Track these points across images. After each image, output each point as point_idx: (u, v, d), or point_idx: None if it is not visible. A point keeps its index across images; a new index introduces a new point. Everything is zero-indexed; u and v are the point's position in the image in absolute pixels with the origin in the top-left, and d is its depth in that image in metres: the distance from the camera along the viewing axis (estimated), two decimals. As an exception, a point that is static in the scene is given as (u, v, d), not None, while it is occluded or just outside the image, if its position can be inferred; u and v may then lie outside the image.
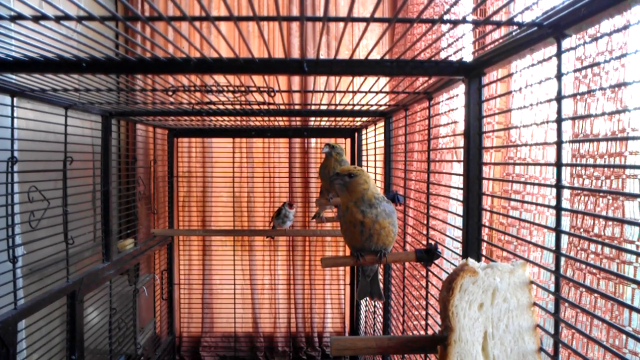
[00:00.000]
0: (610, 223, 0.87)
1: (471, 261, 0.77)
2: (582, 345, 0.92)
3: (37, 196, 1.48)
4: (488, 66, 0.92)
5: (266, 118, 2.10)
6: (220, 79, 1.20)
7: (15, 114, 1.36)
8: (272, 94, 1.37)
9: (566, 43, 0.68)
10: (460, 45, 1.11)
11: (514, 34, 0.78)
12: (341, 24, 2.85)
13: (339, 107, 1.79)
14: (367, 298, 1.49)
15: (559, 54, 0.69)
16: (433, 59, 0.97)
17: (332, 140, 2.69)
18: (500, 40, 0.83)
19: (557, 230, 0.71)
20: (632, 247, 0.81)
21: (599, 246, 0.89)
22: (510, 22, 0.74)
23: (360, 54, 2.56)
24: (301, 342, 2.95)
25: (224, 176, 2.84)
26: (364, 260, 1.21)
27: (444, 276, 1.29)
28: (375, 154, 2.23)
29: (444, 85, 1.21)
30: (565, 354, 0.93)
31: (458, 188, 1.12)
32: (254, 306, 2.95)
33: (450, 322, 0.72)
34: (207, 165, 2.87)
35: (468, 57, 0.99)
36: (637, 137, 0.83)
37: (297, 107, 1.88)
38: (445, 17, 0.71)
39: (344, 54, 2.66)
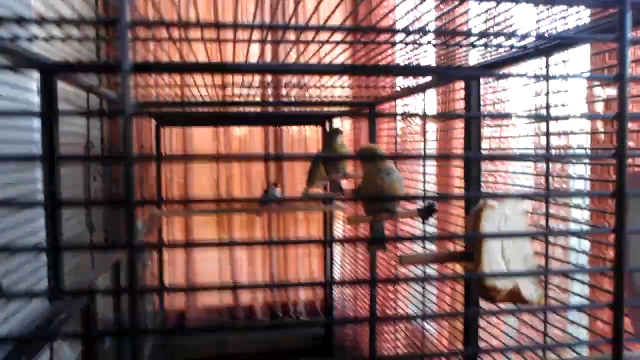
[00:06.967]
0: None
1: (489, 200, 1.17)
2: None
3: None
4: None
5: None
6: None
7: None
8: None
9: (552, 60, 1.09)
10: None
11: (513, 50, 1.17)
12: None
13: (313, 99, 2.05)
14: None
15: (547, 67, 1.10)
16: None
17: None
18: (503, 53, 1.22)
19: (547, 157, 1.13)
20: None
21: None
22: (512, 47, 1.13)
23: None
24: (278, 311, 3.31)
25: (205, 164, 3.09)
26: (384, 217, 1.60)
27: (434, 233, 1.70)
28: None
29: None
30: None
31: (459, 157, 1.52)
32: (234, 281, 3.24)
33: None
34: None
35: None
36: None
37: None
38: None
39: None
